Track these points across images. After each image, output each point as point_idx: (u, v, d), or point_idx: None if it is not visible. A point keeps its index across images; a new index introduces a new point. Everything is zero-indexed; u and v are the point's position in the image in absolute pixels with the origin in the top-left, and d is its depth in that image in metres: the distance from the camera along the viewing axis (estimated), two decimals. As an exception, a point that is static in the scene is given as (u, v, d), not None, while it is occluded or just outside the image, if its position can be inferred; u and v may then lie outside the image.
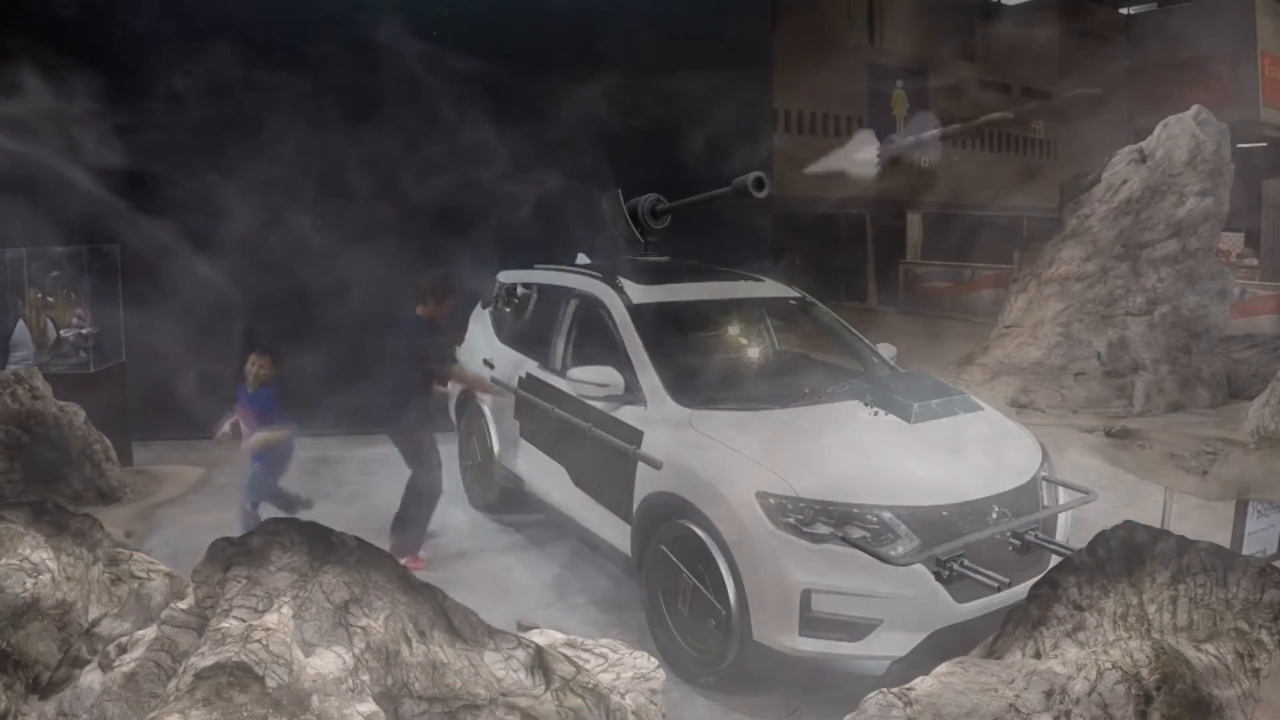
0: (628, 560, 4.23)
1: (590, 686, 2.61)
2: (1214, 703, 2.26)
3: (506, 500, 5.69)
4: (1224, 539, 3.57)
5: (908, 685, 2.35)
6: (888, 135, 20.13)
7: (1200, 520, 5.05)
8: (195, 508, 5.92)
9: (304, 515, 4.61)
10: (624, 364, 4.39)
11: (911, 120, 5.43)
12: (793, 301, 5.33)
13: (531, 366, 5.27)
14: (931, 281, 18.85)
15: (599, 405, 4.39)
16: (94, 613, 2.79)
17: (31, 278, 6.35)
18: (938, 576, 3.32)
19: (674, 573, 3.86)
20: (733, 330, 5.33)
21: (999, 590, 3.23)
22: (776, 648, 3.43)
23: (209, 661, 2.19)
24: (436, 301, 5.06)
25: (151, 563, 3.04)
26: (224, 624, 2.31)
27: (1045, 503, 3.85)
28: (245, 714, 2.10)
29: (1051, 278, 9.18)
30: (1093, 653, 2.37)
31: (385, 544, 3.03)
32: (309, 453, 6.54)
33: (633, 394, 4.29)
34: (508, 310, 5.79)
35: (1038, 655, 2.51)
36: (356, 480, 6.42)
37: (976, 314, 15.46)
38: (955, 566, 3.28)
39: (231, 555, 2.52)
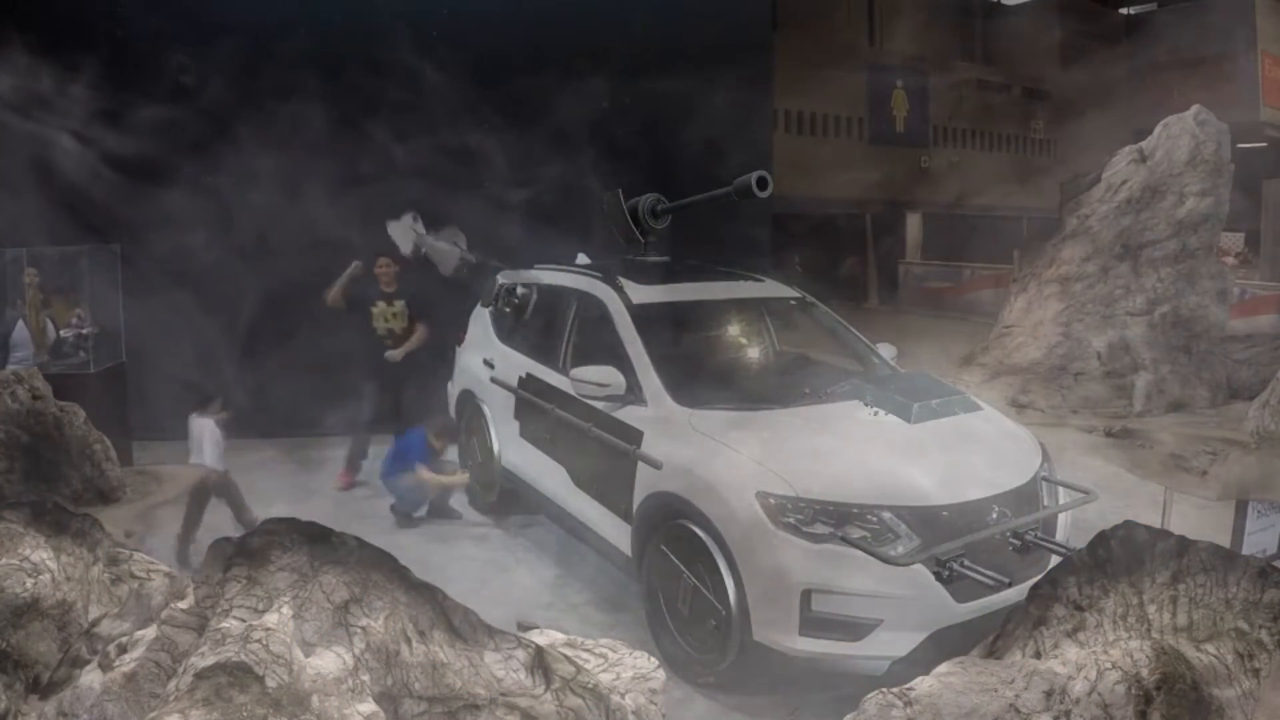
0: (628, 560, 4.23)
1: (590, 686, 2.61)
2: (1214, 703, 2.26)
3: (506, 500, 5.69)
4: (1224, 539, 3.57)
5: (908, 685, 2.35)
6: (886, 135, 20.15)
7: (1200, 520, 5.03)
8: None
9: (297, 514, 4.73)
10: (624, 364, 4.39)
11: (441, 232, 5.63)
12: (793, 301, 5.33)
13: (531, 366, 5.27)
14: (931, 281, 18.84)
15: (600, 405, 4.38)
16: (94, 613, 2.78)
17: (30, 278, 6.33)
18: (938, 576, 3.32)
19: (674, 573, 3.86)
20: (733, 330, 5.32)
21: (999, 590, 3.23)
22: (776, 648, 3.43)
23: (209, 661, 2.19)
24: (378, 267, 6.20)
25: (151, 563, 3.04)
26: (224, 624, 2.31)
27: (1045, 503, 3.84)
28: (245, 714, 2.10)
29: (1051, 278, 9.17)
30: (1093, 653, 2.37)
31: (382, 539, 3.05)
32: (311, 452, 6.56)
33: (633, 394, 4.28)
34: (507, 310, 5.79)
35: (1038, 655, 2.51)
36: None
37: (976, 314, 15.44)
38: (955, 566, 3.28)
39: (231, 555, 2.52)
